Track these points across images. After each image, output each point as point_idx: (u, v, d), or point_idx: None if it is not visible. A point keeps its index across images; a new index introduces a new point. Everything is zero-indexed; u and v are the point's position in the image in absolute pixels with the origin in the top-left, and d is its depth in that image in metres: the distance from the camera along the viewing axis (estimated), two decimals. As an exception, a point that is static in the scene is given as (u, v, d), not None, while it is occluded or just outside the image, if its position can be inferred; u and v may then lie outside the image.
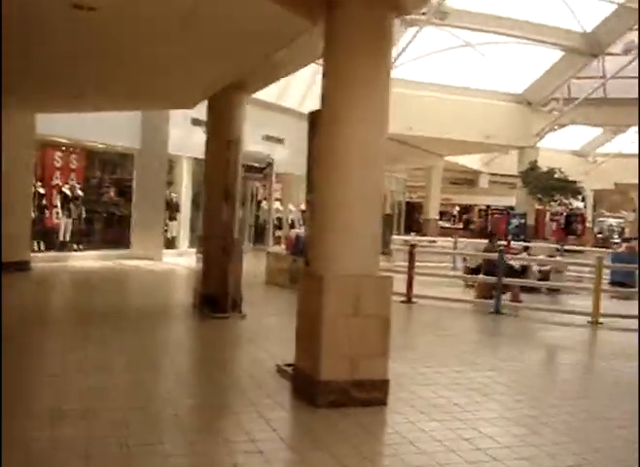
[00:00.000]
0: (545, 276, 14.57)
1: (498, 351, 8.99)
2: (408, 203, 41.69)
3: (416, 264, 13.26)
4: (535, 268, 15.16)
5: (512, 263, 13.25)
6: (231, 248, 9.84)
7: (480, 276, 12.62)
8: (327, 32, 5.95)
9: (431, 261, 18.51)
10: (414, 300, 12.60)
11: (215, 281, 9.98)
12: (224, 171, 9.96)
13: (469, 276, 15.61)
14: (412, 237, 22.46)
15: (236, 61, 7.74)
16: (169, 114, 17.88)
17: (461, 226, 42.48)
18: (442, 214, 41.47)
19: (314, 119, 6.63)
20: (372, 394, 5.72)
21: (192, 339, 9.07)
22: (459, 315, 11.99)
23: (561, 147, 38.25)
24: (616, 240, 35.59)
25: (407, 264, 13.22)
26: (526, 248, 19.94)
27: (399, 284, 12.76)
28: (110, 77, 9.00)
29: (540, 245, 22.15)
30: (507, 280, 12.47)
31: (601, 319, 11.42)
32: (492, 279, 12.47)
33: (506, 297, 12.54)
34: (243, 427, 5.11)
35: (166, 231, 19.92)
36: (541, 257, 15.65)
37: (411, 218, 40.60)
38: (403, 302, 12.45)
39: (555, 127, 31.33)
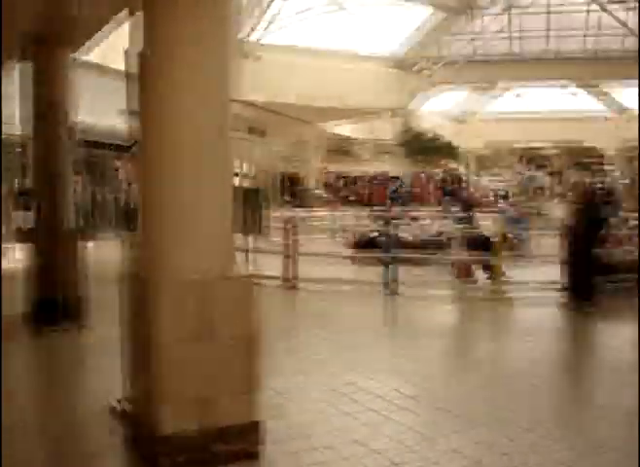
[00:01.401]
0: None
1: (399, 347, 7.37)
2: (287, 176, 39.94)
3: (293, 239, 11.57)
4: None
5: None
6: (60, 241, 7.81)
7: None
8: None
9: (312, 235, 16.84)
10: (299, 284, 10.92)
11: (46, 283, 7.96)
12: (47, 145, 7.92)
13: (359, 255, 14.09)
14: (290, 212, 20.65)
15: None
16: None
17: (342, 195, 41.11)
18: (325, 186, 40.03)
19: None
20: (238, 445, 3.99)
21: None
22: (351, 300, 10.36)
23: (433, 109, 37.63)
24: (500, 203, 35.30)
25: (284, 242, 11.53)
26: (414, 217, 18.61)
27: (279, 265, 11.19)
28: None
29: (427, 211, 20.56)
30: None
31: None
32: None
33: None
34: None
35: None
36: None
37: (291, 191, 38.99)
38: (284, 287, 10.80)
39: (428, 89, 30.53)
